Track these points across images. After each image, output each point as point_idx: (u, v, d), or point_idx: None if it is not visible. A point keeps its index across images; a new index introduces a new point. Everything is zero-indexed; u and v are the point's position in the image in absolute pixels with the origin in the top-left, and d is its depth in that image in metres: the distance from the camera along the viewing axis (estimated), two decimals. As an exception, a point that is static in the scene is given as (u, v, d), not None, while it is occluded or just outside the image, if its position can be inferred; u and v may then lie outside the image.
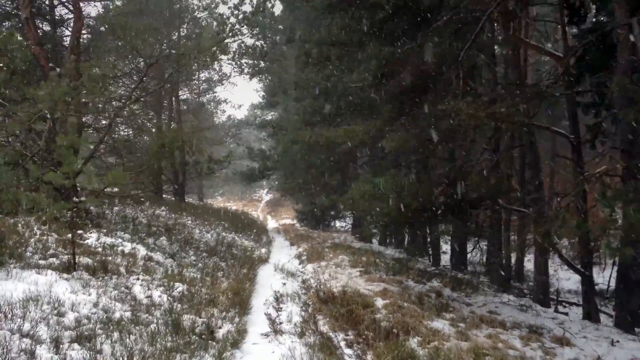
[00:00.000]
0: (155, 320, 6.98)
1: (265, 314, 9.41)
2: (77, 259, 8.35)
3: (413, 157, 15.97)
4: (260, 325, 8.54)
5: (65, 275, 7.81)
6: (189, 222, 18.79)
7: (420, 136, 10.81)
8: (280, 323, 8.91)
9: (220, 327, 7.44)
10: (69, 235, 9.99)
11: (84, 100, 12.08)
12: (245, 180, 33.41)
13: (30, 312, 5.93)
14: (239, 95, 51.10)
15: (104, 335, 5.94)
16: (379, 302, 10.21)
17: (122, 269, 8.58)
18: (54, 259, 8.59)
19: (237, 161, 46.11)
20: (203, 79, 41.13)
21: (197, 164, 15.07)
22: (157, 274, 9.67)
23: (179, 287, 8.47)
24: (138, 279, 8.46)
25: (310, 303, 10.53)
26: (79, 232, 10.61)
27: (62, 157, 8.95)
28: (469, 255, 20.84)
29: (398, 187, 9.86)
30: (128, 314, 6.94)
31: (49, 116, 12.32)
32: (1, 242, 8.43)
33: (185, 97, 36.83)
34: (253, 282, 12.41)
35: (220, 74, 38.89)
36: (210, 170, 12.77)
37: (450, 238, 21.90)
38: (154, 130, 27.66)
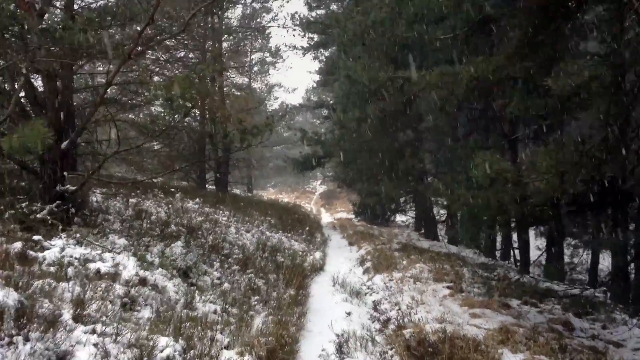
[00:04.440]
0: None
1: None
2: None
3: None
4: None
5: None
6: (225, 218, 15.03)
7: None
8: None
9: None
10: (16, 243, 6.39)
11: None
12: (298, 169, 29.58)
13: None
14: (293, 79, 47.51)
15: None
16: (508, 358, 6.16)
17: (67, 314, 4.81)
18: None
19: (290, 149, 43.06)
20: (255, 60, 37.71)
21: (225, 136, 11.26)
22: (142, 313, 5.88)
23: (167, 351, 4.62)
24: (93, 332, 4.67)
25: (393, 356, 6.57)
26: (36, 238, 6.93)
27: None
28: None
29: (568, 162, 5.72)
30: None
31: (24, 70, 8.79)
32: None
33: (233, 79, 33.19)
34: (303, 311, 8.54)
35: (272, 50, 35.33)
36: (243, 143, 8.87)
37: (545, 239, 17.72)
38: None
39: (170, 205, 14.08)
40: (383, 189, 19.44)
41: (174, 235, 10.36)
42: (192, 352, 4.98)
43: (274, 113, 35.09)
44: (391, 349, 6.84)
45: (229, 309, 7.16)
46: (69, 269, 6.25)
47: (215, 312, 6.84)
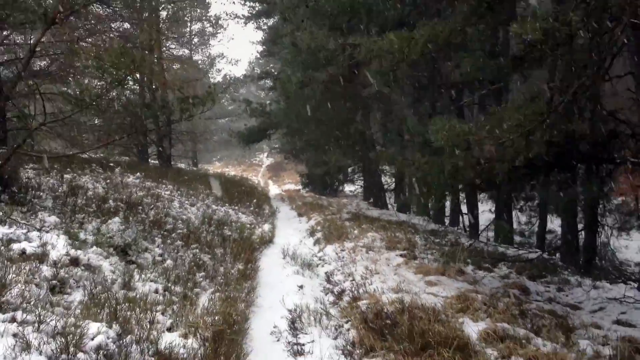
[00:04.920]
0: None
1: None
2: None
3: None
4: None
5: None
6: (168, 193, 14.32)
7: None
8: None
9: None
10: None
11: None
12: (244, 141, 28.83)
13: None
14: (236, 51, 46.12)
15: None
16: (469, 327, 5.89)
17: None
18: None
19: (234, 122, 42.03)
20: (195, 30, 36.38)
21: (164, 105, 10.56)
22: (72, 296, 5.30)
23: (99, 339, 4.08)
24: (13, 321, 4.08)
25: (349, 329, 6.21)
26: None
27: None
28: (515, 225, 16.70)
29: (536, 119, 5.33)
30: None
31: None
32: None
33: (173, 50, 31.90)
34: (253, 286, 8.08)
35: (212, 19, 34.16)
36: (184, 113, 8.24)
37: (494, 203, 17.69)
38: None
39: (108, 181, 13.29)
40: (331, 158, 19.05)
41: (112, 212, 9.67)
42: (128, 337, 4.45)
43: (217, 85, 33.98)
44: (347, 322, 6.48)
45: (172, 287, 6.63)
46: (-12, 251, 5.59)
47: (156, 291, 6.31)
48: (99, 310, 4.92)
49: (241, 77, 38.05)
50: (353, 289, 7.71)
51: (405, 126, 16.74)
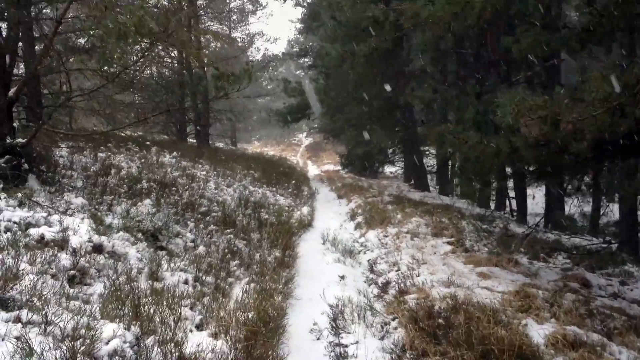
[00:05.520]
0: None
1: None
2: None
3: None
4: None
5: None
6: (204, 173, 13.84)
7: None
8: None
9: None
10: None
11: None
12: (282, 121, 28.31)
13: None
14: (275, 29, 45.45)
15: None
16: (534, 331, 5.19)
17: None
18: None
19: (274, 102, 41.43)
20: (234, 7, 35.83)
21: (199, 82, 10.00)
22: (93, 288, 4.81)
23: (114, 343, 3.54)
24: (17, 321, 3.57)
25: (396, 327, 5.59)
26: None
27: None
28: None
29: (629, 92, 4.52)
30: None
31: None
32: None
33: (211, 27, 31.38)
34: (291, 275, 7.51)
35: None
36: (220, 91, 7.67)
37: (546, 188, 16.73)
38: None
39: (143, 160, 12.89)
40: (372, 138, 18.27)
41: (144, 193, 9.22)
42: (150, 339, 3.92)
43: (254, 63, 33.40)
44: (393, 319, 5.86)
45: (203, 277, 6.10)
46: (3, 236, 5.13)
47: (186, 282, 5.79)
48: (120, 306, 4.40)
49: (280, 55, 37.46)
50: (399, 280, 7.08)
51: (452, 104, 15.86)
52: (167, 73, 23.36)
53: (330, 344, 5.19)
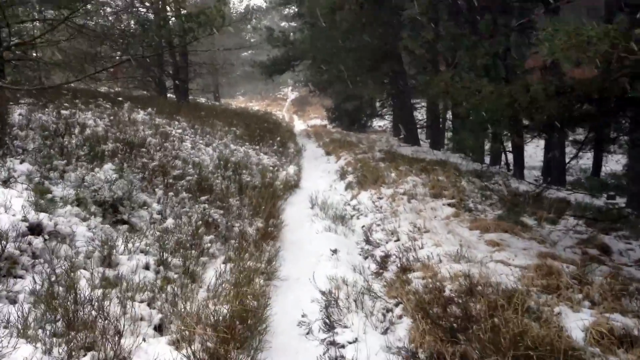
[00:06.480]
0: None
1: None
2: None
3: None
4: None
5: None
6: (180, 131, 12.68)
7: None
8: None
9: None
10: None
11: None
12: (266, 73, 26.88)
13: None
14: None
15: None
16: (570, 322, 4.27)
17: None
18: None
19: (258, 55, 39.69)
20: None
21: (163, 24, 8.80)
22: (21, 284, 3.79)
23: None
24: None
25: (401, 316, 4.66)
26: None
27: None
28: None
29: None
30: None
31: None
32: None
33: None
34: (275, 249, 6.53)
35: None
36: (188, 34, 6.52)
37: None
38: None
39: (112, 117, 11.71)
40: (364, 91, 17.09)
41: (108, 155, 8.12)
42: (88, 356, 2.93)
43: (237, 14, 31.73)
44: (397, 304, 4.92)
45: (170, 259, 5.09)
46: None
47: (147, 266, 4.78)
48: (49, 313, 3.39)
49: (263, 7, 35.77)
50: (400, 254, 6.12)
51: (461, 44, 14.60)
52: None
53: (322, 342, 4.24)
